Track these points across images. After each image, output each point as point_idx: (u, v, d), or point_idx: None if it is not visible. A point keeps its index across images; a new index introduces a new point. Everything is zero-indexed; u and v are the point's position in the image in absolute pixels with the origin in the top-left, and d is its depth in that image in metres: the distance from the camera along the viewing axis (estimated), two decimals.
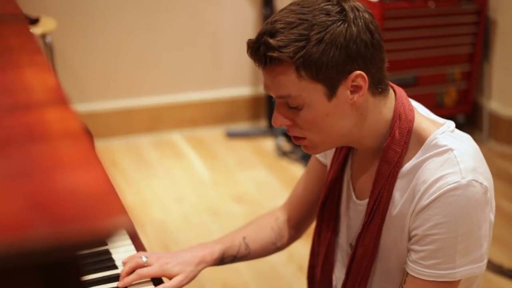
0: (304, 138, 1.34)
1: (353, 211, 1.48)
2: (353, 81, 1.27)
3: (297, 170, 3.72)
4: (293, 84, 1.27)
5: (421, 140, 1.32)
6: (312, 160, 1.65)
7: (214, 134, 4.17)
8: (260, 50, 1.27)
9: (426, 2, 3.66)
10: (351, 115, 1.31)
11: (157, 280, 1.45)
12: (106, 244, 1.47)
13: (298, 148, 3.92)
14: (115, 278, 1.45)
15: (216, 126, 4.24)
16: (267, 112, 4.21)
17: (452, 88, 3.89)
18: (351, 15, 1.25)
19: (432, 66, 3.81)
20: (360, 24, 1.26)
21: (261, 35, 1.27)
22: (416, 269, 1.31)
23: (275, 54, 1.24)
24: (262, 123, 4.29)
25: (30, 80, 0.90)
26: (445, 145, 1.28)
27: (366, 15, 1.28)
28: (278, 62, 1.25)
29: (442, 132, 1.32)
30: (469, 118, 4.04)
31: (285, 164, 3.81)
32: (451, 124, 1.36)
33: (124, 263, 1.46)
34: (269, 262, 2.85)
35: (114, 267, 1.48)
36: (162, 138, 4.11)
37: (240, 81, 4.29)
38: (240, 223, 3.16)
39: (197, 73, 4.19)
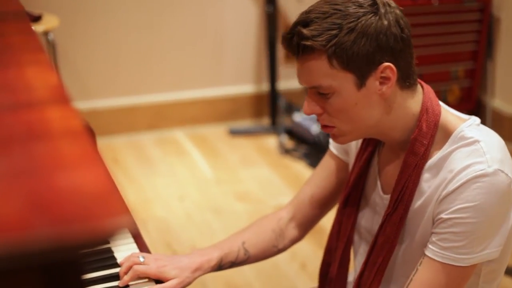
0: (333, 127, 1.39)
1: (380, 206, 1.50)
2: (382, 72, 1.32)
3: (300, 168, 3.72)
4: (325, 73, 1.32)
5: (448, 133, 1.37)
6: (328, 158, 1.66)
7: (216, 132, 4.16)
8: (293, 40, 1.32)
9: (429, 0, 3.65)
10: (379, 106, 1.35)
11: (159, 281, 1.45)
12: (108, 244, 1.46)
13: (301, 145, 3.91)
14: (117, 276, 1.44)
15: (219, 123, 4.23)
16: (270, 110, 4.21)
17: (455, 86, 3.88)
18: (382, 10, 1.31)
19: (436, 64, 3.80)
20: (391, 18, 1.31)
21: (295, 26, 1.33)
22: (434, 251, 1.33)
23: (308, 43, 1.30)
24: (265, 121, 4.28)
25: (32, 78, 0.89)
26: (472, 137, 1.33)
27: (397, 11, 1.34)
28: (311, 51, 1.31)
29: (468, 125, 1.37)
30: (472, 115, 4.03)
31: (288, 161, 3.81)
32: (476, 118, 1.41)
33: (121, 264, 1.46)
34: (272, 261, 2.84)
35: (116, 265, 1.48)
36: (164, 135, 4.11)
37: (243, 79, 4.28)
38: (242, 221, 3.18)
39: (200, 71, 4.19)
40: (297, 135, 4.00)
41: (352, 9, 1.30)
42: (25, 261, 0.57)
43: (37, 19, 3.21)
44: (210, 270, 1.53)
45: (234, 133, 4.13)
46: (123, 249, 1.52)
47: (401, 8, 1.36)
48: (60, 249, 0.57)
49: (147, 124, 4.11)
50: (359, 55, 1.29)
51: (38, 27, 3.17)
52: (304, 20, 1.31)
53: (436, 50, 3.78)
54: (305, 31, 1.29)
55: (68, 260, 0.61)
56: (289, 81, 4.35)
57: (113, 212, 0.60)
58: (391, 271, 1.46)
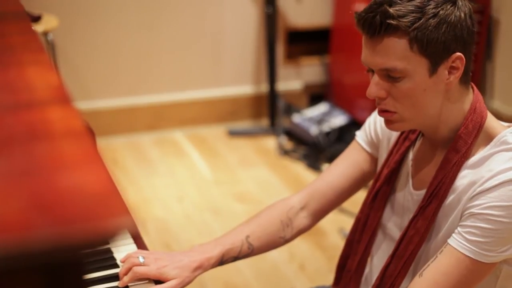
0: (394, 112, 1.39)
1: (409, 202, 1.50)
2: (453, 61, 1.34)
3: (299, 169, 3.72)
4: (402, 55, 1.32)
5: (490, 136, 1.39)
6: (353, 150, 1.66)
7: (216, 133, 4.16)
8: (376, 18, 1.32)
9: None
10: (442, 97, 1.38)
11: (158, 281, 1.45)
12: (109, 244, 1.46)
13: (300, 147, 3.91)
14: (117, 277, 1.44)
15: (218, 124, 4.23)
16: (269, 111, 4.21)
17: None
18: (460, 1, 1.34)
19: None
20: (466, 11, 1.35)
21: (378, 4, 1.33)
22: (458, 241, 1.34)
23: (394, 22, 1.30)
24: (264, 122, 4.28)
25: (33, 78, 0.89)
26: None
27: (470, 6, 1.37)
28: (394, 30, 1.32)
29: (511, 131, 1.38)
30: None
31: (287, 162, 3.81)
32: None
33: (122, 262, 1.46)
34: (271, 261, 2.85)
35: (116, 266, 1.48)
36: (164, 136, 4.11)
37: (242, 80, 4.28)
38: (241, 222, 3.16)
39: (200, 72, 4.19)
40: (296, 136, 4.01)
41: None
42: (27, 261, 0.57)
43: (36, 19, 3.21)
44: (211, 267, 1.52)
45: (233, 134, 4.13)
46: (123, 250, 1.52)
47: (473, 3, 1.39)
48: (62, 249, 0.57)
49: (146, 125, 4.11)
50: (438, 41, 1.31)
51: (37, 28, 3.17)
52: (389, 0, 1.31)
53: None
54: (391, 10, 1.30)
55: (69, 260, 0.61)
56: (288, 82, 4.35)
57: (114, 212, 0.61)
58: (415, 266, 1.47)
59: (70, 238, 0.57)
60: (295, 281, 2.79)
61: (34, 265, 0.59)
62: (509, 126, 1.42)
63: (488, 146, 1.38)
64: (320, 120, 3.95)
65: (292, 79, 4.38)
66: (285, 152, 3.89)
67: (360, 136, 1.65)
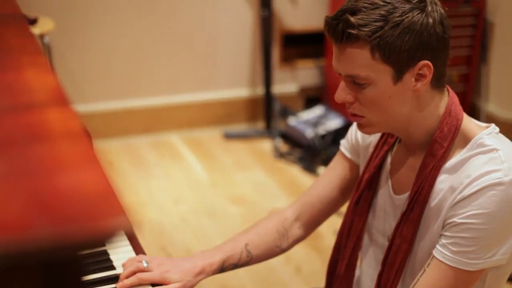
0: (362, 117, 1.40)
1: (390, 206, 1.51)
2: (419, 69, 1.33)
3: (294, 172, 3.72)
4: (364, 63, 1.32)
5: (467, 139, 1.38)
6: (338, 159, 1.66)
7: (211, 135, 4.17)
8: (339, 26, 1.32)
9: None
10: (411, 102, 1.37)
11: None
12: (107, 244, 1.47)
13: (296, 149, 3.92)
14: (113, 279, 1.45)
15: (214, 127, 4.24)
16: (265, 114, 4.21)
17: None
18: (429, 8, 1.33)
19: None
20: (436, 17, 1.33)
21: (342, 12, 1.32)
22: (443, 253, 1.34)
23: (354, 32, 1.30)
24: (260, 125, 4.29)
25: (31, 80, 0.90)
26: (491, 145, 1.34)
27: (442, 11, 1.36)
28: (355, 39, 1.31)
29: (488, 133, 1.38)
30: None
31: (282, 165, 3.81)
32: (496, 127, 1.42)
33: (124, 265, 1.46)
34: (267, 264, 2.85)
35: (112, 267, 1.48)
36: (159, 139, 4.11)
37: (238, 83, 4.29)
38: (237, 225, 3.18)
39: (195, 74, 4.19)
40: (291, 139, 4.01)
41: (400, 3, 1.30)
42: (26, 260, 0.57)
43: (32, 22, 3.21)
44: (212, 273, 1.54)
45: (229, 136, 4.13)
46: (119, 252, 1.53)
47: (446, 8, 1.38)
48: (61, 249, 0.58)
49: (142, 128, 4.12)
50: (401, 50, 1.30)
51: (33, 30, 3.17)
52: (352, 8, 1.31)
53: None
54: (352, 19, 1.30)
55: (68, 259, 0.62)
56: (284, 85, 4.36)
57: (112, 212, 0.61)
58: (406, 270, 1.47)
59: (69, 237, 0.58)
60: (291, 283, 2.79)
61: (34, 264, 0.59)
62: (487, 127, 1.41)
63: (465, 149, 1.37)
64: (315, 123, 3.95)
65: (288, 82, 4.39)
66: (280, 155, 3.89)
67: (343, 145, 1.66)
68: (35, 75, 0.91)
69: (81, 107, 3.89)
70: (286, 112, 4.17)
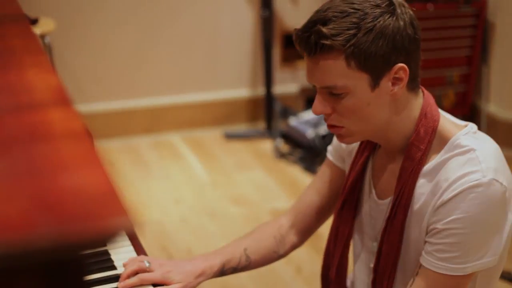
0: (341, 127, 1.38)
1: (375, 211, 1.50)
2: (395, 73, 1.32)
3: (295, 172, 3.72)
4: (341, 73, 1.31)
5: (444, 140, 1.37)
6: (326, 166, 1.66)
7: (212, 136, 4.17)
8: (311, 38, 1.30)
9: (425, 5, 3.67)
10: (389, 107, 1.36)
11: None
12: (110, 244, 1.47)
13: (296, 150, 3.92)
14: (114, 278, 1.45)
15: (215, 127, 4.24)
16: (266, 114, 4.21)
17: (450, 90, 3.89)
18: (398, 10, 1.32)
19: (431, 69, 3.82)
20: (406, 19, 1.32)
21: (312, 23, 1.30)
22: (430, 261, 1.34)
23: (327, 42, 1.28)
24: (261, 125, 4.29)
25: (33, 80, 0.90)
26: (468, 145, 1.33)
27: (411, 12, 1.35)
28: (329, 50, 1.29)
29: (465, 133, 1.37)
30: (467, 120, 4.03)
31: (283, 165, 3.81)
32: (473, 126, 1.41)
33: (125, 265, 1.47)
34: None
35: (113, 267, 1.48)
36: (160, 139, 4.11)
37: (239, 83, 4.29)
38: (238, 225, 3.18)
39: (196, 75, 4.19)
40: (292, 139, 4.01)
41: (369, 9, 1.29)
42: (28, 260, 0.57)
43: (33, 22, 3.21)
44: (213, 275, 1.54)
45: (230, 137, 4.13)
46: (120, 252, 1.53)
47: (414, 9, 1.37)
48: (63, 248, 0.58)
49: (143, 128, 4.12)
50: (376, 55, 1.29)
51: (34, 31, 3.17)
52: (323, 19, 1.29)
53: (431, 55, 3.79)
54: (324, 29, 1.28)
55: (70, 259, 0.62)
56: (284, 85, 4.36)
57: (114, 212, 0.61)
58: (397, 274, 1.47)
59: (71, 237, 0.58)
60: (291, 284, 2.79)
61: (36, 265, 0.59)
62: (465, 126, 1.40)
63: (442, 151, 1.36)
64: (316, 123, 3.95)
65: (289, 82, 4.39)
66: (281, 155, 3.89)
67: (330, 151, 1.64)
68: (37, 75, 0.91)
69: (82, 107, 3.88)
70: (286, 112, 4.17)
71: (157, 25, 4.00)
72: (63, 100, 0.82)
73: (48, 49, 3.34)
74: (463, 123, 1.43)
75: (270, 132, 4.14)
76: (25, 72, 0.93)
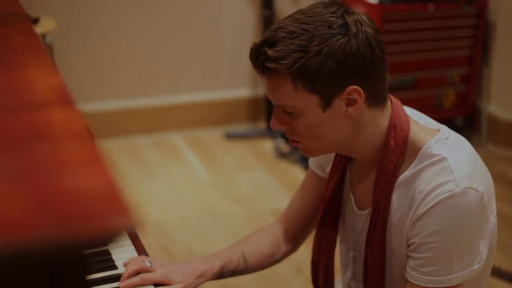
0: (299, 142, 1.38)
1: (355, 221, 1.50)
2: (349, 94, 1.29)
3: (295, 172, 3.72)
4: (289, 94, 1.29)
5: (416, 149, 1.34)
6: (308, 174, 1.65)
7: (213, 135, 4.17)
8: (259, 59, 1.29)
9: (425, 5, 3.67)
10: (346, 126, 1.33)
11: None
12: (112, 243, 1.47)
13: (297, 150, 3.91)
14: (115, 278, 1.45)
15: (215, 127, 4.24)
16: (266, 114, 4.21)
17: (451, 90, 3.89)
18: (353, 29, 1.26)
19: (431, 69, 3.81)
20: (361, 38, 1.27)
21: (261, 45, 1.29)
22: (414, 276, 1.33)
23: (272, 65, 1.26)
24: (261, 125, 4.29)
25: (35, 80, 0.90)
26: (439, 154, 1.30)
27: (369, 30, 1.28)
28: (275, 72, 1.28)
29: (436, 141, 1.33)
30: (468, 121, 4.04)
31: (283, 165, 3.81)
32: (445, 130, 1.37)
33: (125, 265, 1.47)
34: None
35: (114, 267, 1.48)
36: (161, 139, 4.11)
37: (239, 83, 4.29)
38: (238, 224, 3.18)
39: (197, 74, 4.19)
40: None
41: (320, 29, 1.25)
42: (30, 259, 0.57)
43: (34, 22, 3.21)
44: (212, 277, 1.54)
45: (231, 136, 4.13)
46: (121, 251, 1.53)
47: (375, 26, 1.31)
48: (66, 248, 0.58)
49: (143, 127, 4.12)
50: (324, 78, 1.26)
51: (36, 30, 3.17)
52: (271, 40, 1.27)
53: (432, 55, 3.79)
54: (270, 52, 1.26)
55: (72, 259, 0.62)
56: None
57: (116, 212, 0.61)
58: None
59: (73, 237, 0.58)
60: (292, 283, 2.79)
61: (38, 264, 0.60)
62: (438, 130, 1.37)
63: (415, 162, 1.33)
64: None
65: None
66: (282, 155, 3.89)
67: (311, 161, 1.63)
68: (39, 75, 0.92)
69: (82, 107, 3.88)
70: None
71: (158, 24, 4.00)
72: (65, 100, 0.82)
73: (49, 49, 3.35)
74: (436, 126, 1.40)
75: (270, 132, 4.14)
76: (27, 71, 0.93)
